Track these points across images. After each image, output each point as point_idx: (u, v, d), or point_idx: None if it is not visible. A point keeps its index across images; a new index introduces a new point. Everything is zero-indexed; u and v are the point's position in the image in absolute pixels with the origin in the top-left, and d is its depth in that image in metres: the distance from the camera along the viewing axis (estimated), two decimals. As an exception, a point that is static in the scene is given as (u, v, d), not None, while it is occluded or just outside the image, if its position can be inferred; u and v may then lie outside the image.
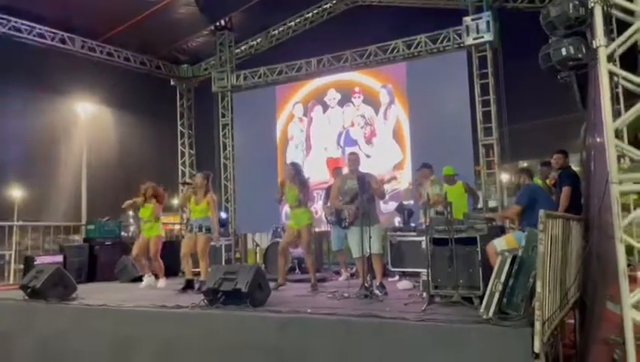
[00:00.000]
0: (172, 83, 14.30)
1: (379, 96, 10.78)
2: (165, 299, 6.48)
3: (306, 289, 6.93)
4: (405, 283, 7.15)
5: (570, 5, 3.43)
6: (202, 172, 7.62)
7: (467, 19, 9.88)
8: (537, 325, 3.84)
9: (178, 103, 14.38)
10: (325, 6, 12.66)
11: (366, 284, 6.49)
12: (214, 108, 13.34)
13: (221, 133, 12.85)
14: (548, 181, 7.47)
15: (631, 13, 3.47)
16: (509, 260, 4.42)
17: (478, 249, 5.45)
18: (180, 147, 14.28)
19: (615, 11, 3.44)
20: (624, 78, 3.39)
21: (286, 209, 11.52)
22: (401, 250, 8.80)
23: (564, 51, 3.40)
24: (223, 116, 12.85)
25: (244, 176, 12.05)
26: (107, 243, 9.97)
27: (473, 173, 9.70)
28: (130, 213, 13.77)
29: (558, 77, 3.57)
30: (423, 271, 7.10)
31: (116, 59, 12.42)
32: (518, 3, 10.50)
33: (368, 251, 6.42)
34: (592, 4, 3.42)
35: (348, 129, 11.05)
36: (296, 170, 7.20)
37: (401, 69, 10.65)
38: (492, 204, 10.04)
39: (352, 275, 8.68)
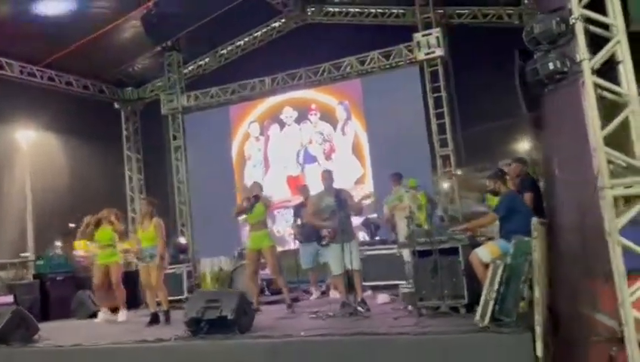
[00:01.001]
0: (116, 106, 13.80)
1: (336, 113, 10.90)
2: (137, 333, 6.18)
3: (284, 311, 6.84)
4: (384, 297, 7.19)
5: (553, 22, 3.61)
6: (146, 198, 7.45)
7: (417, 36, 10.21)
8: (538, 329, 3.97)
9: (124, 127, 13.89)
10: (274, 25, 12.68)
11: (348, 301, 6.50)
12: (164, 131, 12.99)
13: (173, 156, 12.49)
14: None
15: (606, 27, 3.69)
16: (500, 268, 4.55)
17: (461, 259, 5.58)
18: (127, 172, 13.76)
19: (592, 26, 3.64)
20: (606, 89, 3.59)
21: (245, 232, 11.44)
22: (369, 264, 8.90)
23: (551, 65, 3.57)
24: (175, 138, 12.52)
25: (200, 198, 11.77)
26: (59, 278, 9.43)
27: (432, 183, 9.95)
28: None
29: (545, 90, 3.70)
30: (400, 283, 7.25)
31: (58, 84, 11.85)
32: (463, 19, 10.97)
33: (350, 267, 6.42)
34: (574, 21, 3.60)
35: (306, 146, 11.08)
36: (259, 187, 7.16)
37: (357, 85, 10.83)
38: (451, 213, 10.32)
39: (322, 293, 8.66)
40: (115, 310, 7.64)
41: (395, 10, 11.55)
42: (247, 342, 5.18)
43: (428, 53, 10.07)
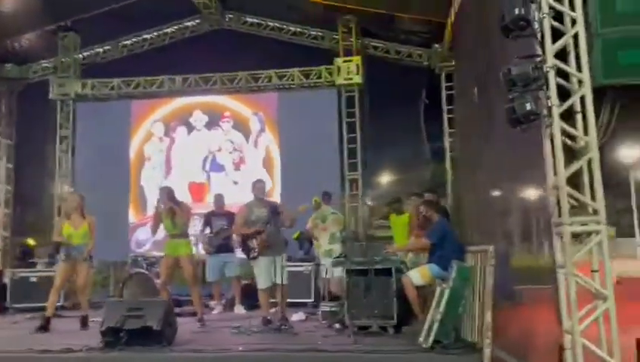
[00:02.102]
0: (-9, 82, 12.12)
1: (249, 123, 10.69)
2: (26, 340, 5.43)
3: (195, 325, 6.47)
4: (299, 315, 7.12)
5: (530, 67, 3.94)
6: (75, 192, 6.79)
7: (339, 61, 10.52)
8: (488, 352, 4.22)
9: (-4, 107, 12.21)
10: (188, 24, 12.16)
11: (269, 317, 6.37)
12: (48, 118, 11.65)
13: (58, 147, 11.23)
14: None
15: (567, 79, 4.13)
16: (447, 292, 4.77)
17: (393, 279, 5.76)
18: (-6, 158, 12.06)
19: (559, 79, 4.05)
20: (568, 135, 3.99)
21: (137, 236, 10.63)
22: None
23: (528, 106, 3.88)
24: (62, 127, 11.28)
25: (88, 197, 10.62)
26: None
27: (340, 205, 10.15)
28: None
29: (519, 127, 4.02)
30: (306, 301, 7.27)
31: None
32: (377, 52, 11.51)
33: (276, 282, 6.30)
34: (548, 70, 3.98)
35: (215, 153, 10.68)
36: (173, 195, 6.78)
37: (273, 98, 10.77)
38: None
39: (224, 308, 8.36)
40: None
41: (313, 32, 11.75)
42: (176, 355, 4.79)
43: (347, 79, 10.39)
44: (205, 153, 10.70)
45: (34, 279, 8.87)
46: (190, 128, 10.78)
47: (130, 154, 10.88)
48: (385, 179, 10.76)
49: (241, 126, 10.69)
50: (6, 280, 9.09)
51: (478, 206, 6.56)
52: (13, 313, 8.41)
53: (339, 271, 7.43)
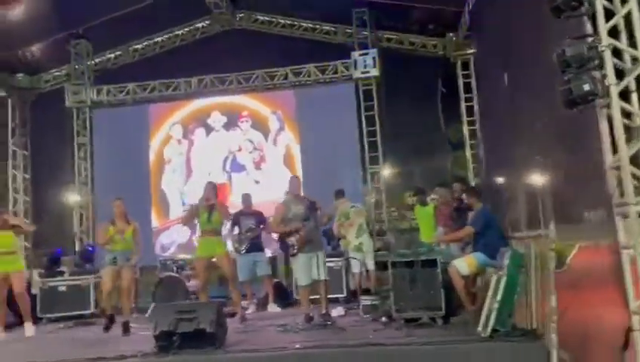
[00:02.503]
0: (2, 94, 12.04)
1: (268, 122, 10.63)
2: (88, 348, 5.40)
3: (237, 325, 6.44)
4: (339, 310, 7.08)
5: (585, 47, 3.88)
6: (121, 199, 6.82)
7: (355, 54, 10.45)
8: (554, 337, 4.16)
9: (10, 118, 12.14)
10: (198, 25, 12.08)
11: (311, 314, 6.33)
12: (62, 127, 11.60)
13: (76, 155, 11.17)
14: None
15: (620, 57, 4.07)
16: (503, 279, 4.72)
17: (439, 270, 5.71)
18: (10, 169, 12.01)
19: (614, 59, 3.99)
20: (624, 115, 3.94)
21: (161, 241, 10.58)
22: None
23: (586, 86, 3.82)
24: (79, 135, 11.22)
25: (108, 203, 10.58)
26: None
27: (362, 198, 10.10)
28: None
29: (576, 109, 3.96)
30: (339, 296, 7.19)
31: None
32: (391, 43, 11.43)
33: (318, 278, 6.27)
34: (603, 49, 3.93)
35: (235, 153, 10.62)
36: (215, 189, 6.74)
37: (290, 96, 10.71)
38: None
39: (257, 307, 8.32)
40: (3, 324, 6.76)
41: (326, 27, 11.68)
42: (231, 356, 4.75)
43: (364, 72, 10.33)
44: (225, 153, 10.65)
45: (63, 288, 8.79)
46: (209, 129, 10.72)
47: (150, 159, 10.81)
48: (405, 170, 10.68)
49: (259, 125, 10.63)
50: (34, 290, 9.03)
51: (519, 191, 6.49)
52: (45, 323, 8.36)
53: (372, 265, 7.43)
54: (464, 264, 5.60)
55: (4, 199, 11.84)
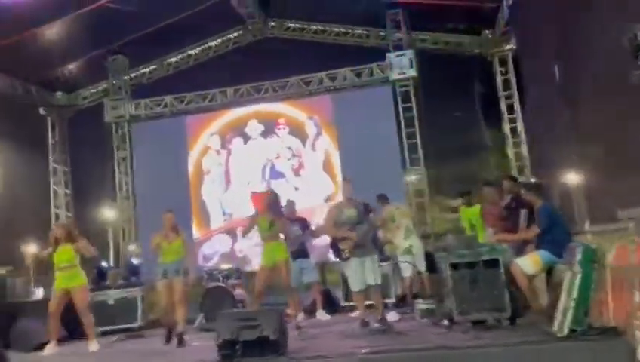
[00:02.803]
0: (42, 112, 12.28)
1: (305, 128, 10.57)
2: (146, 359, 5.35)
3: (294, 332, 6.30)
4: (394, 315, 6.90)
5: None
6: (171, 210, 6.79)
7: (391, 56, 10.34)
8: (638, 334, 3.94)
9: (50, 135, 12.37)
10: (230, 36, 12.15)
11: (367, 319, 6.17)
12: (98, 143, 11.75)
13: (117, 169, 11.28)
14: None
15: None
16: (578, 277, 4.50)
17: (502, 270, 5.50)
18: (52, 186, 12.21)
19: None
20: None
21: (203, 251, 10.56)
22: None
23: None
24: (119, 149, 11.34)
25: (150, 216, 10.64)
26: None
27: (405, 201, 9.93)
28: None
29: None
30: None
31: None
32: (426, 44, 11.29)
33: (372, 283, 6.11)
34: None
35: (273, 161, 10.58)
36: (277, 198, 6.64)
37: (327, 100, 10.64)
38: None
39: (305, 313, 8.17)
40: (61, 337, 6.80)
41: (358, 31, 11.62)
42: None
43: (401, 73, 10.20)
44: (264, 161, 10.61)
45: (111, 301, 8.80)
46: (246, 138, 10.71)
47: (189, 170, 10.84)
48: (445, 171, 10.46)
49: (297, 131, 10.57)
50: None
51: (577, 187, 6.25)
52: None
53: (423, 267, 7.25)
54: (528, 263, 5.37)
55: (46, 215, 12.05)
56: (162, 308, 6.60)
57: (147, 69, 12.31)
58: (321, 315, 7.90)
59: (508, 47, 10.83)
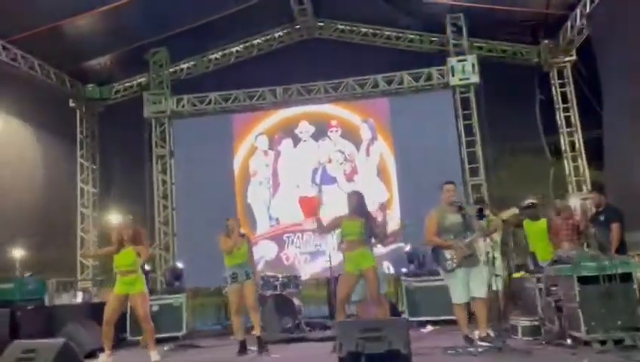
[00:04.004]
0: (71, 104, 11.63)
1: (359, 131, 10.09)
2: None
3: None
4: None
5: None
6: (234, 219, 6.42)
7: (452, 60, 9.95)
8: None
9: (78, 130, 11.71)
10: (275, 35, 11.69)
11: (469, 335, 5.69)
12: (135, 138, 11.11)
13: (155, 168, 10.64)
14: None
15: None
16: None
17: (635, 285, 5.07)
18: (79, 183, 11.52)
19: None
20: None
21: (260, 255, 9.94)
22: (417, 297, 8.12)
23: None
24: (157, 146, 10.71)
25: (191, 218, 10.05)
26: (29, 307, 7.37)
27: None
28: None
29: None
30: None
31: (19, 65, 9.65)
32: (481, 51, 10.92)
33: (476, 296, 5.64)
34: None
35: (325, 165, 10.05)
36: (363, 199, 6.15)
37: (384, 104, 10.18)
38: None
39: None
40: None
41: (410, 35, 11.24)
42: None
43: (463, 79, 9.82)
44: (314, 165, 10.08)
45: (156, 308, 8.15)
46: (296, 140, 10.18)
47: (235, 171, 10.26)
48: (506, 182, 10.04)
49: (350, 135, 10.08)
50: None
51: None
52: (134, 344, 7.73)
53: (501, 284, 6.77)
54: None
55: (73, 214, 11.36)
56: (234, 315, 6.14)
57: (187, 65, 11.75)
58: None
59: (567, 58, 10.53)
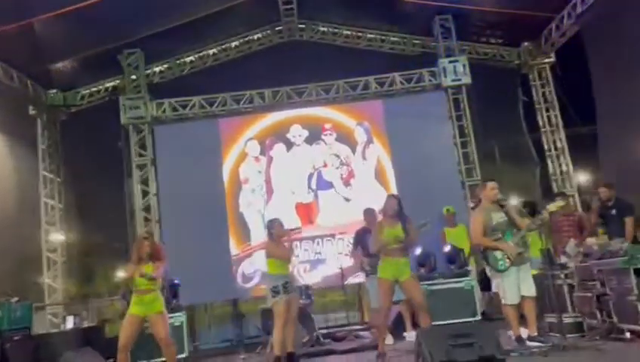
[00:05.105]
0: (31, 112, 10.60)
1: (354, 134, 9.83)
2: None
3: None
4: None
5: None
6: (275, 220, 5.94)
7: (444, 62, 9.96)
8: None
9: (40, 140, 10.67)
10: (254, 37, 11.24)
11: (521, 335, 5.56)
12: (110, 146, 10.29)
13: (135, 178, 9.83)
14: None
15: None
16: None
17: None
18: (42, 198, 10.48)
19: None
20: None
21: (242, 270, 9.38)
22: (431, 302, 7.93)
23: None
24: (137, 155, 9.92)
25: (178, 231, 9.36)
26: (16, 337, 6.56)
27: (467, 213, 9.46)
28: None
29: None
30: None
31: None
32: (467, 54, 10.99)
33: (526, 295, 5.54)
34: None
35: (320, 169, 9.70)
36: (400, 203, 5.87)
37: (377, 105, 9.99)
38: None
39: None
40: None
41: (393, 38, 11.18)
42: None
43: (455, 80, 9.84)
44: (309, 170, 9.70)
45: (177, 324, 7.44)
46: (289, 144, 9.77)
47: (224, 179, 9.69)
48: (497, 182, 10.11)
49: (345, 138, 9.80)
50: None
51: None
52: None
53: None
54: None
55: (36, 229, 10.28)
56: (279, 330, 5.63)
57: (159, 68, 11.03)
58: (412, 337, 7.12)
59: (547, 60, 10.85)
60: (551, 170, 10.72)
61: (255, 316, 8.76)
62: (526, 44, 10.85)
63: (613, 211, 7.11)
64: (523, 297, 5.56)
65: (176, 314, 7.74)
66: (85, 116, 10.92)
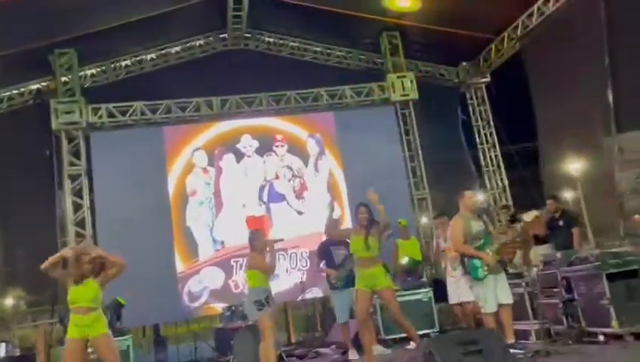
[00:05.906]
0: None
1: (306, 146, 9.65)
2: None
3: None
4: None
5: None
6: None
7: (392, 76, 10.13)
8: None
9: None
10: (196, 43, 10.79)
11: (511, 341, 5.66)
12: (37, 155, 9.35)
13: (67, 190, 8.91)
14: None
15: None
16: None
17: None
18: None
19: None
20: None
21: (189, 288, 8.78)
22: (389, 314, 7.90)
23: None
24: (70, 164, 9.02)
25: (115, 247, 8.48)
26: None
27: (415, 225, 9.61)
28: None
29: None
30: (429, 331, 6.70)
31: None
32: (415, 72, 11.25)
33: (503, 302, 5.66)
34: None
35: (272, 182, 9.38)
36: (371, 212, 5.78)
37: (329, 118, 9.90)
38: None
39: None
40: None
41: (339, 52, 11.23)
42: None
43: (403, 95, 10.03)
44: (260, 182, 9.36)
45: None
46: (239, 155, 9.36)
47: (169, 191, 9.07)
48: (440, 196, 10.39)
49: (297, 149, 9.59)
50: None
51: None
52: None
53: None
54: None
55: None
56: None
57: (91, 71, 10.21)
58: (379, 351, 7.03)
59: (483, 79, 11.40)
60: (488, 185, 11.18)
61: (207, 335, 8.26)
62: (464, 63, 11.33)
63: (561, 222, 7.47)
64: (501, 305, 5.63)
65: (123, 338, 7.07)
66: (6, 121, 9.81)
